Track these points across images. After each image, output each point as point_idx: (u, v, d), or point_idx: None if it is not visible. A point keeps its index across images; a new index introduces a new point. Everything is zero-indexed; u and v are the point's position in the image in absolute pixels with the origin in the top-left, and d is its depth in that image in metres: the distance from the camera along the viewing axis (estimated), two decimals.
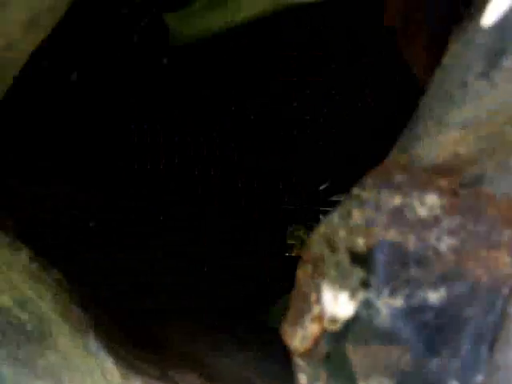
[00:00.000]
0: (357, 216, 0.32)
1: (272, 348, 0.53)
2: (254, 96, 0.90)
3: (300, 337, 0.34)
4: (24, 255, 0.48)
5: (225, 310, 0.78)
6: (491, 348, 0.30)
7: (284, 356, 0.54)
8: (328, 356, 0.33)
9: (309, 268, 0.35)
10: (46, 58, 0.80)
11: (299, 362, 0.34)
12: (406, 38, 0.46)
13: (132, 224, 0.84)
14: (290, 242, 1.72)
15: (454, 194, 0.31)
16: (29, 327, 0.49)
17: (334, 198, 1.68)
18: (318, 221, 1.76)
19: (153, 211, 0.93)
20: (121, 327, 0.46)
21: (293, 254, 1.69)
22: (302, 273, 0.35)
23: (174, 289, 0.70)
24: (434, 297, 0.30)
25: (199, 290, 0.77)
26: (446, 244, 0.30)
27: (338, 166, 1.38)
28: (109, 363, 0.43)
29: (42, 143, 0.83)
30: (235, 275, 0.94)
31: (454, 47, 0.36)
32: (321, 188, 1.64)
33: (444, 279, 0.30)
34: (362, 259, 0.31)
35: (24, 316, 0.49)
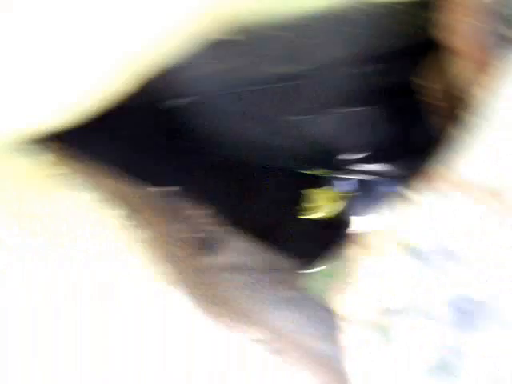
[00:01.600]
0: (410, 216, 0.39)
1: (317, 312, 0.58)
2: None
3: (349, 305, 0.40)
4: None
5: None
6: None
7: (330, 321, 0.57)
8: (379, 324, 0.39)
9: (360, 248, 0.41)
10: None
11: (348, 328, 0.40)
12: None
13: None
14: (306, 205, 1.77)
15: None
16: None
17: (352, 167, 1.72)
18: (331, 185, 1.79)
19: None
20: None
21: (309, 217, 1.75)
22: (353, 251, 0.41)
23: None
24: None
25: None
26: None
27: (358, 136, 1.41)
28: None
29: None
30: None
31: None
32: (339, 157, 1.68)
33: None
34: (415, 253, 0.39)
35: None
